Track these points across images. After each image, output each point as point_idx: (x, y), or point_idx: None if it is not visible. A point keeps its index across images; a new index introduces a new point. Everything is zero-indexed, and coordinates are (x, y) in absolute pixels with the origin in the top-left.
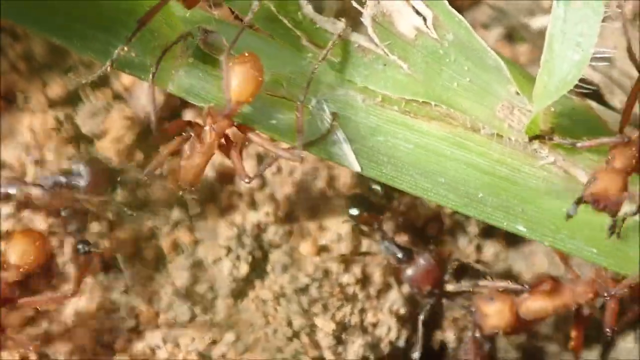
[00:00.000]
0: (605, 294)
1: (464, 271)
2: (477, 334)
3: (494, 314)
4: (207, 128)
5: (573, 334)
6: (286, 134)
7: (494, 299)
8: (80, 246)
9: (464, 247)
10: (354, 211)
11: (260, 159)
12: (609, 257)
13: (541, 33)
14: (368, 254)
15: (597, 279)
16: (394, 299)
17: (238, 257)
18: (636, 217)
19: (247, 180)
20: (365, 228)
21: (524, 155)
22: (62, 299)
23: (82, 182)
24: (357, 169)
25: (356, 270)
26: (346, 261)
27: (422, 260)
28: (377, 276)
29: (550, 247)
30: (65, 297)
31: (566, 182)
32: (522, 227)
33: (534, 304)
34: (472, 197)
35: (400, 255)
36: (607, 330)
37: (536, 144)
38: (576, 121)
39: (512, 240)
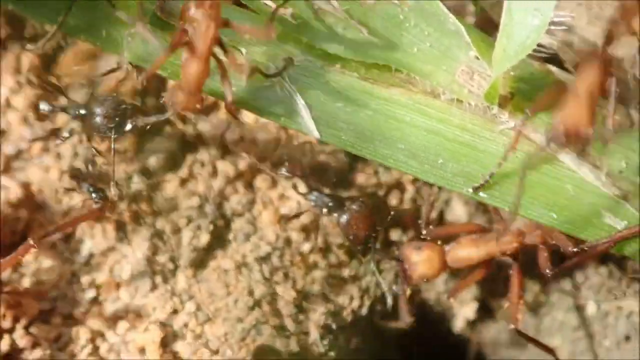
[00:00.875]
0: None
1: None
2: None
3: (422, 262)
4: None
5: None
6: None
7: (421, 247)
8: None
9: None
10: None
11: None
12: (568, 222)
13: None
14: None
15: (525, 229)
16: (357, 267)
17: (199, 227)
18: (595, 183)
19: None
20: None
21: (484, 121)
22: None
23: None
24: (317, 135)
25: (318, 238)
26: (307, 230)
27: (355, 207)
28: (338, 247)
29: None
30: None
31: (527, 147)
32: (483, 193)
33: (461, 252)
34: (433, 163)
35: (330, 204)
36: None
37: (495, 108)
38: (535, 86)
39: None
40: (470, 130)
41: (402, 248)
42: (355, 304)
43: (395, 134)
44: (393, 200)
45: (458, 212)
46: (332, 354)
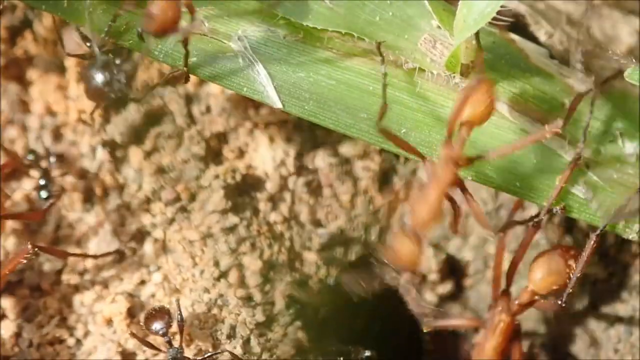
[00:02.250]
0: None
1: None
2: None
3: None
4: None
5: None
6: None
7: None
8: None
9: (397, 188)
10: None
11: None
12: (531, 190)
13: None
14: None
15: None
16: (323, 236)
17: (164, 199)
18: (558, 151)
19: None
20: None
21: (446, 90)
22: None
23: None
24: (279, 105)
25: (284, 209)
26: (274, 200)
27: None
28: (304, 214)
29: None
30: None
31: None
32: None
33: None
34: (396, 132)
35: None
36: None
37: (457, 77)
38: (497, 54)
39: None
40: (433, 100)
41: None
42: (322, 273)
43: (358, 103)
44: (361, 171)
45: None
46: (298, 323)
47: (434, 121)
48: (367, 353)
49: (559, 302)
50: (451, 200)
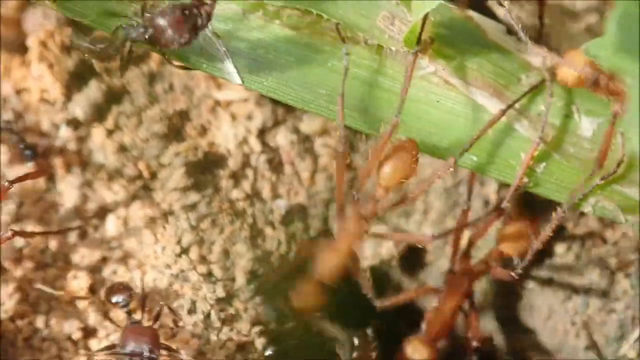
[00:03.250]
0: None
1: None
2: None
3: None
4: None
5: None
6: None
7: None
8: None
9: (356, 165)
10: None
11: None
12: (488, 164)
13: None
14: None
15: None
16: (284, 214)
17: (126, 176)
18: (515, 126)
19: None
20: None
21: (404, 67)
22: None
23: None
24: (238, 81)
25: (245, 186)
26: (236, 177)
27: None
28: (266, 191)
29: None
30: None
31: (446, 91)
32: (403, 136)
33: (440, 320)
34: (353, 108)
35: None
36: None
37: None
38: (455, 31)
39: None
40: (391, 76)
41: None
42: (283, 249)
43: (317, 79)
44: (321, 148)
45: None
46: (257, 299)
47: (393, 97)
48: (327, 326)
49: (513, 273)
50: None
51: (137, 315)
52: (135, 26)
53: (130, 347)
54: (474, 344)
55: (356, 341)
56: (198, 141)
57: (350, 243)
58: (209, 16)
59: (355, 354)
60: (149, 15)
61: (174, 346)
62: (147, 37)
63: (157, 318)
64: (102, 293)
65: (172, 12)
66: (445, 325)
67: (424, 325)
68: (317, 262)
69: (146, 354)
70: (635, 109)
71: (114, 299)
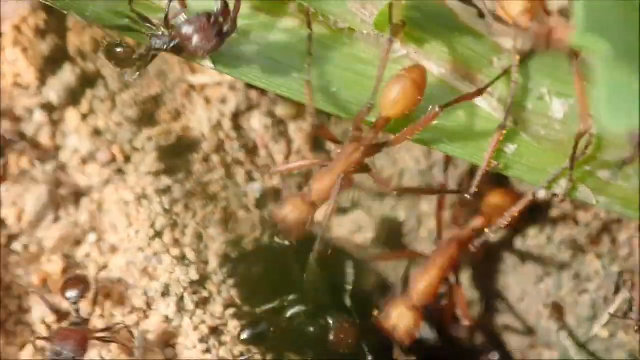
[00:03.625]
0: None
1: None
2: None
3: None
4: None
5: None
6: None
7: None
8: None
9: (329, 148)
10: None
11: None
12: (460, 147)
13: None
14: None
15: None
16: (259, 197)
17: (100, 160)
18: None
19: None
20: None
21: (376, 49)
22: None
23: None
24: (210, 65)
25: (219, 170)
26: (209, 161)
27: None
28: (240, 175)
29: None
30: None
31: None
32: (375, 119)
33: (425, 289)
34: (326, 91)
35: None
36: None
37: (388, 36)
38: (427, 14)
39: None
40: (363, 59)
41: None
42: (257, 232)
43: (289, 63)
44: (295, 131)
45: None
46: (231, 281)
47: (364, 80)
48: (301, 308)
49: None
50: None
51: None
52: (161, 35)
53: (56, 347)
54: (465, 322)
55: (331, 321)
56: (172, 125)
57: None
58: (234, 22)
59: (331, 335)
60: (175, 24)
61: None
62: (172, 45)
63: (109, 329)
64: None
65: (198, 20)
66: (430, 291)
67: (409, 291)
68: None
69: (67, 355)
70: (603, 90)
71: (67, 294)
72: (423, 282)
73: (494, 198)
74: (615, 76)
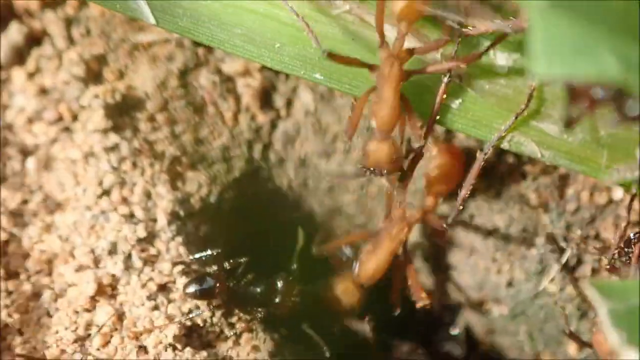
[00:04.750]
0: None
1: None
2: None
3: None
4: None
5: None
6: None
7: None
8: None
9: (278, 105)
10: None
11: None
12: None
13: None
14: None
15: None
16: (206, 155)
17: (46, 118)
18: None
19: None
20: None
21: (319, 5)
22: None
23: None
24: (152, 21)
25: (165, 128)
26: (155, 119)
27: None
28: (187, 133)
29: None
30: None
31: (361, 28)
32: (319, 75)
33: (370, 268)
34: (270, 47)
35: None
36: None
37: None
38: None
39: (324, 95)
40: (307, 15)
41: None
42: (204, 191)
43: (232, 18)
44: (243, 88)
45: (305, 99)
46: (179, 239)
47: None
48: (243, 259)
49: (444, 224)
50: None
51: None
52: None
53: None
54: (419, 304)
55: (279, 284)
56: (118, 84)
57: (395, 87)
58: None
59: (278, 298)
60: None
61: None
62: None
63: None
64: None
65: None
66: (377, 274)
67: (356, 267)
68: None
69: None
70: (538, 37)
71: None
72: (370, 264)
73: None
74: (550, 24)
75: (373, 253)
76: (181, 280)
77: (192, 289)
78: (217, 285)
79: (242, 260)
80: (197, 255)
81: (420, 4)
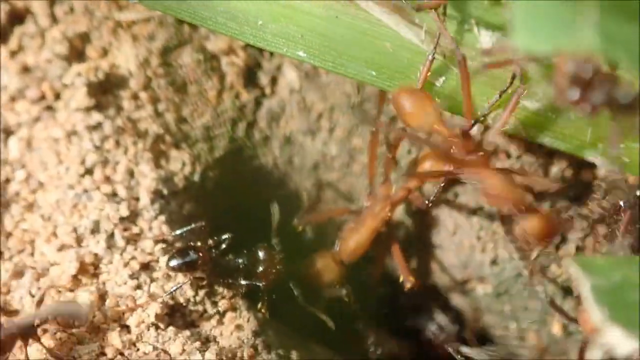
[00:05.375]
0: None
1: None
2: None
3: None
4: None
5: None
6: None
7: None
8: None
9: (262, 83)
10: None
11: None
12: (387, 79)
13: None
14: None
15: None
16: (189, 133)
17: (29, 97)
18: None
19: None
20: None
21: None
22: None
23: None
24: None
25: (148, 106)
26: (138, 98)
27: None
28: (170, 112)
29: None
30: None
31: (346, 7)
32: (303, 52)
33: (351, 244)
34: (252, 25)
35: None
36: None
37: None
38: None
39: (309, 73)
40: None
41: None
42: (187, 170)
43: None
44: (227, 66)
45: (289, 77)
46: (162, 217)
47: (290, 12)
48: (226, 235)
49: (427, 202)
50: None
51: None
52: None
53: None
54: (407, 285)
55: (261, 254)
56: (99, 62)
57: None
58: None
59: (261, 267)
60: None
61: None
62: None
63: None
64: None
65: None
66: (359, 251)
67: (338, 244)
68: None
69: None
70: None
71: None
72: (352, 241)
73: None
74: None
75: (355, 230)
76: (164, 259)
77: (175, 262)
78: (200, 257)
79: (226, 236)
80: (179, 231)
81: None
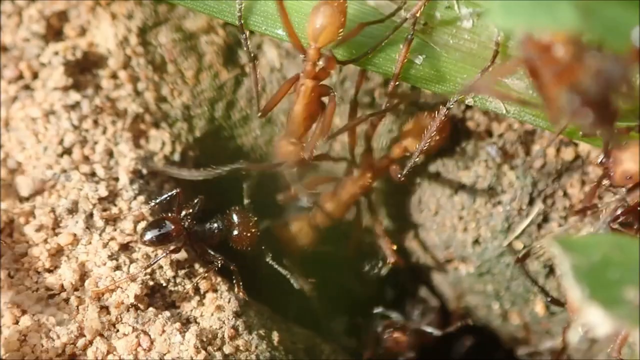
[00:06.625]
0: None
1: None
2: None
3: None
4: None
5: None
6: None
7: None
8: None
9: (242, 62)
10: None
11: None
12: (372, 58)
13: None
14: None
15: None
16: (169, 113)
17: (6, 76)
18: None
19: None
20: None
21: None
22: None
23: None
24: None
25: (127, 86)
26: (117, 77)
27: None
28: (149, 92)
29: None
30: None
31: None
32: (282, 31)
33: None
34: (230, 2)
35: None
36: None
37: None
38: None
39: (290, 51)
40: None
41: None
42: (167, 149)
43: None
44: (206, 45)
45: (270, 55)
46: (141, 198)
47: None
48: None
49: (399, 175)
50: None
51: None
52: None
53: None
54: (390, 260)
55: (235, 218)
56: (77, 41)
57: None
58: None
59: (236, 230)
60: None
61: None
62: None
63: None
64: None
65: None
66: (335, 215)
67: (313, 209)
68: None
69: None
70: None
71: None
72: (329, 205)
73: (412, 124)
74: None
75: (333, 194)
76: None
77: (149, 235)
78: (174, 227)
79: (196, 200)
80: (153, 202)
81: None
